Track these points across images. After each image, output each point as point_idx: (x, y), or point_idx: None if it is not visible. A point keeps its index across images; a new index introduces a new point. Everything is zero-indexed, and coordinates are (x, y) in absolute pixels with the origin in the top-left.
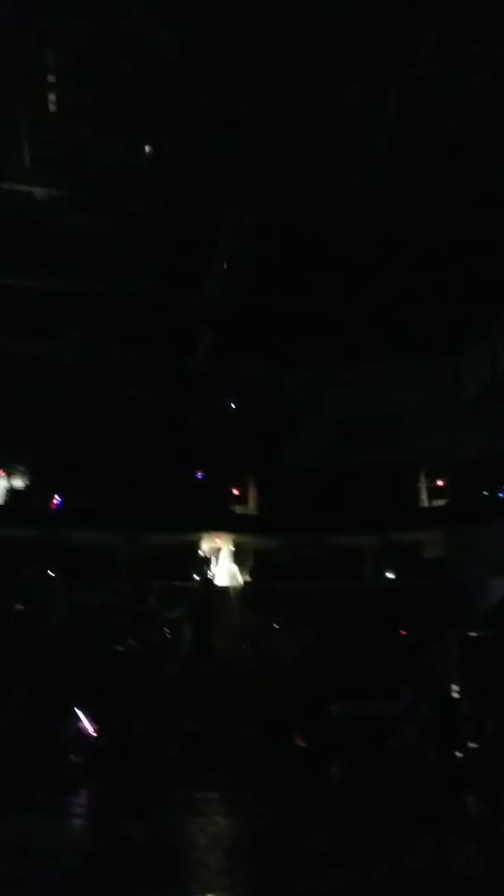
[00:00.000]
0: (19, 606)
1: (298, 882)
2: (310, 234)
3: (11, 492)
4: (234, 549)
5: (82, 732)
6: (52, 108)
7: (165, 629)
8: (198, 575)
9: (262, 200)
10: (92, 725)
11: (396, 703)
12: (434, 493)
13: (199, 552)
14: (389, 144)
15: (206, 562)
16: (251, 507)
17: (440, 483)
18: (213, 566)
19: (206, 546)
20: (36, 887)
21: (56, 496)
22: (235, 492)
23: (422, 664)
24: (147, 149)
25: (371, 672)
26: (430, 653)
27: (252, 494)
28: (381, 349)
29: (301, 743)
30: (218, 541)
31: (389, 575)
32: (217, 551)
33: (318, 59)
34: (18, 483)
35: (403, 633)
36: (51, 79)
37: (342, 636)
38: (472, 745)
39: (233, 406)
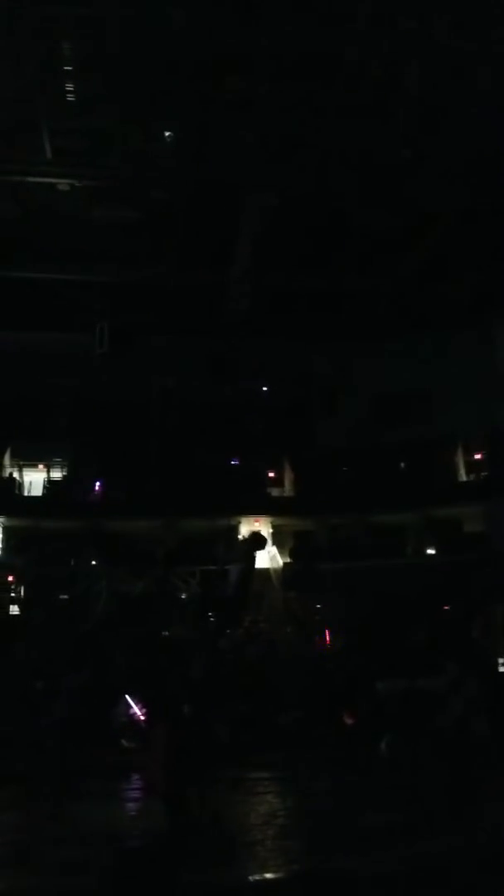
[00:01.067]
0: (64, 596)
1: (353, 859)
2: (335, 211)
3: (51, 484)
4: (273, 531)
5: (133, 718)
6: (70, 98)
7: (209, 613)
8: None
9: (285, 180)
10: (142, 711)
11: (443, 679)
12: (472, 466)
13: (239, 536)
14: (412, 116)
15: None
16: (288, 488)
17: (477, 456)
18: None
19: (245, 530)
20: (94, 872)
21: (96, 486)
22: (272, 474)
23: (467, 638)
24: (167, 134)
25: (416, 648)
26: (474, 627)
27: (288, 476)
28: (412, 324)
29: (349, 721)
30: (257, 524)
31: (430, 551)
32: None
33: (336, 32)
34: (57, 475)
35: (447, 608)
36: (68, 68)
37: (385, 614)
38: None
39: (265, 388)
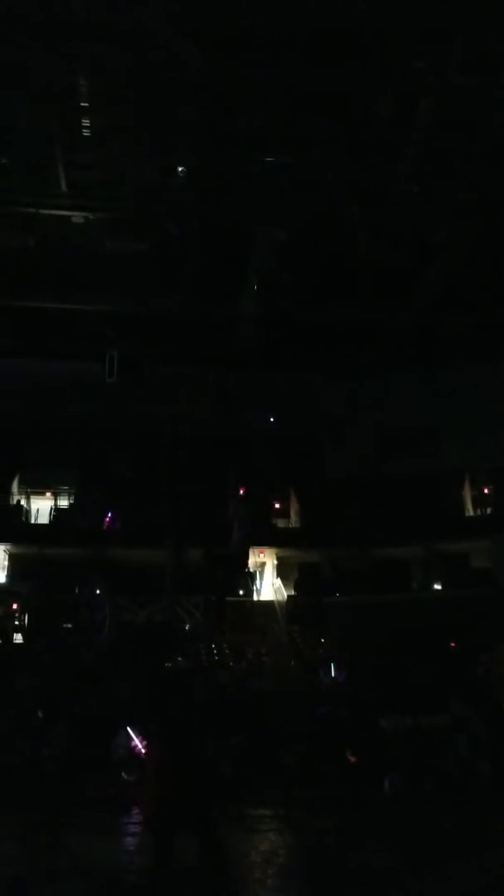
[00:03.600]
0: (68, 625)
1: None
2: (345, 245)
3: (58, 511)
4: (277, 563)
5: (133, 750)
6: (86, 132)
7: (213, 645)
8: (243, 590)
9: (296, 215)
10: (142, 743)
11: (447, 716)
12: (479, 501)
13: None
14: (422, 154)
15: (250, 577)
16: (294, 520)
17: (486, 491)
18: (257, 581)
19: (250, 561)
20: None
21: (108, 515)
22: (277, 505)
23: (472, 676)
24: (180, 169)
25: (421, 685)
26: (480, 664)
27: (294, 508)
28: (421, 358)
29: (352, 758)
30: (262, 555)
31: (436, 586)
32: (261, 566)
33: (348, 72)
34: (64, 503)
35: (452, 644)
36: (84, 104)
37: (390, 649)
38: None
39: (272, 420)
